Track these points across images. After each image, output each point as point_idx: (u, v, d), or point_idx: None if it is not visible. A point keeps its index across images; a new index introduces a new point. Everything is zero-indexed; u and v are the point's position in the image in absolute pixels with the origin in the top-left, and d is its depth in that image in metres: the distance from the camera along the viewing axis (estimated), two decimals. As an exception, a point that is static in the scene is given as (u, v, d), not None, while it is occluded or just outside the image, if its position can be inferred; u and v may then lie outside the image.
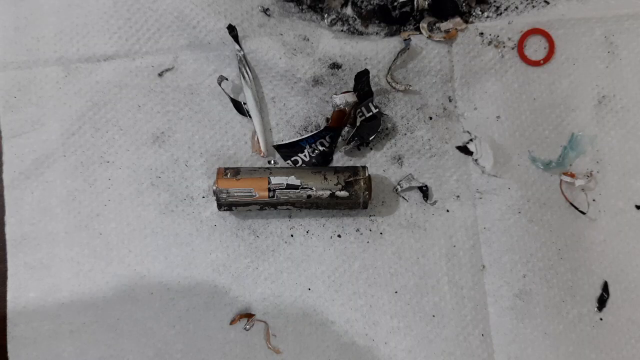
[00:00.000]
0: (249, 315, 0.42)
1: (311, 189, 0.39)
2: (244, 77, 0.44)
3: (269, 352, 0.42)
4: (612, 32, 0.47)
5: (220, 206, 0.40)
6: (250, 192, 0.39)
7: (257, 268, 0.43)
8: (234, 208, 0.40)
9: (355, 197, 0.40)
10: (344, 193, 0.40)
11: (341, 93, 0.43)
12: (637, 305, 0.44)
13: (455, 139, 0.45)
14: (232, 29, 0.44)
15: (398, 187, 0.44)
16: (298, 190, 0.39)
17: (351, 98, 0.43)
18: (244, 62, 0.44)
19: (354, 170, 0.40)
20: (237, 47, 0.44)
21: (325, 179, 0.40)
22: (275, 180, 0.39)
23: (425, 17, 0.46)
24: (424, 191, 0.44)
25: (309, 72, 0.45)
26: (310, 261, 0.43)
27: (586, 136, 0.45)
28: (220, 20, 0.45)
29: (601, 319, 0.43)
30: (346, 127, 0.44)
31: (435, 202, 0.44)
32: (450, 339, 0.43)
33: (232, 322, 0.42)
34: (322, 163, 0.43)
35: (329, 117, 0.44)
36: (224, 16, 0.45)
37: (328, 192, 0.40)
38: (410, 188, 0.44)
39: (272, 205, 0.40)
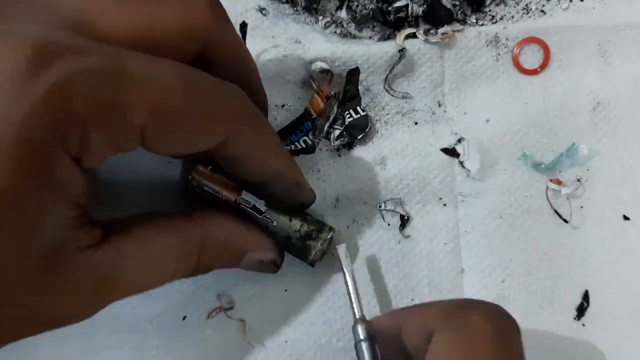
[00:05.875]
0: (228, 309, 0.42)
1: (272, 222, 0.39)
2: None
3: (246, 350, 0.42)
4: (607, 40, 0.46)
5: (185, 192, 0.39)
6: (217, 195, 0.38)
7: (238, 266, 0.43)
8: (199, 202, 0.39)
9: (306, 252, 0.40)
10: (298, 243, 0.39)
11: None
12: (618, 315, 0.43)
13: (441, 142, 0.45)
14: (243, 26, 0.44)
15: (383, 204, 0.44)
16: (260, 217, 0.39)
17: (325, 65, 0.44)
18: None
19: (320, 228, 0.40)
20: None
21: (290, 220, 0.39)
22: (245, 196, 0.38)
23: (421, 24, 0.47)
24: (404, 221, 0.44)
25: (299, 74, 0.45)
26: (290, 261, 0.43)
27: (586, 148, 0.45)
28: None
29: (580, 327, 0.43)
30: (326, 122, 0.43)
31: (408, 236, 0.44)
32: (428, 341, 0.43)
33: (210, 316, 0.42)
34: (306, 152, 0.43)
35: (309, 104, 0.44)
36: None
37: (285, 234, 0.39)
38: (393, 212, 0.44)
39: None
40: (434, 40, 0.46)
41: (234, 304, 0.43)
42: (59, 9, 0.30)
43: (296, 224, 0.40)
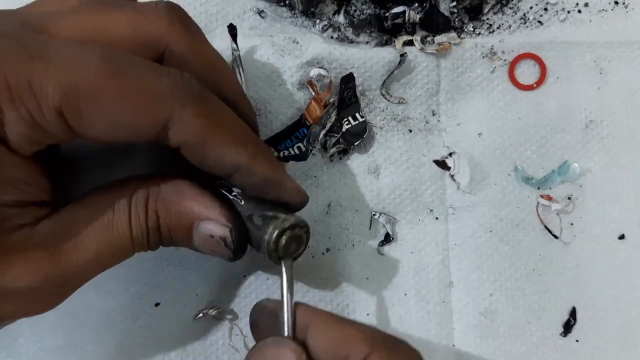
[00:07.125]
0: (215, 311, 0.42)
1: (240, 201, 0.35)
2: (238, 76, 0.44)
3: (231, 352, 0.42)
4: (603, 57, 0.46)
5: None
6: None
7: (224, 268, 0.42)
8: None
9: (264, 231, 0.34)
10: (258, 221, 0.34)
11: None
12: (604, 333, 0.43)
13: (434, 152, 0.45)
14: (232, 28, 0.44)
15: (377, 214, 0.44)
16: (231, 197, 0.35)
17: (324, 72, 0.43)
18: (238, 62, 0.44)
19: (286, 212, 0.34)
20: (234, 46, 0.43)
21: (258, 202, 0.35)
22: None
23: (418, 31, 0.46)
24: (387, 240, 0.44)
25: (295, 75, 0.44)
26: (276, 266, 0.42)
27: (578, 167, 0.45)
28: (212, 22, 0.45)
29: (566, 343, 0.43)
30: (322, 130, 0.43)
31: (382, 254, 0.44)
32: (413, 353, 0.43)
33: (196, 317, 0.42)
34: (299, 158, 0.42)
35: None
36: (215, 18, 0.45)
37: (249, 213, 0.34)
38: (383, 226, 0.44)
39: None
40: (429, 51, 0.45)
41: (222, 307, 0.42)
42: (16, 17, 0.30)
43: (265, 206, 0.35)
